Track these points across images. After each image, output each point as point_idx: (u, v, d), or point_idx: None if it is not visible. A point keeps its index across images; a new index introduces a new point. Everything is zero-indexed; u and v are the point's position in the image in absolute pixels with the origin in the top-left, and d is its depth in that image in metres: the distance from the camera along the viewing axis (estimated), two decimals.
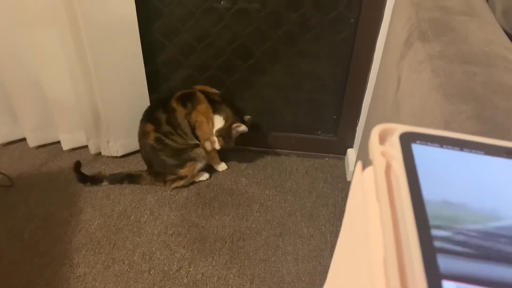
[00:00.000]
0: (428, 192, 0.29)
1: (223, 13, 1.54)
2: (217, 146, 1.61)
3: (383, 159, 0.31)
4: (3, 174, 1.65)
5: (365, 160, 0.89)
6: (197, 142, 1.61)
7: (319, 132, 1.81)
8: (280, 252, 1.43)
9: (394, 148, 0.32)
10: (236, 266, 1.38)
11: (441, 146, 0.33)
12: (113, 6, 1.42)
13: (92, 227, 1.49)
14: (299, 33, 1.57)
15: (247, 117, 1.66)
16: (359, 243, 0.32)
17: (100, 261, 1.37)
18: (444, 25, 0.59)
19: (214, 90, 1.64)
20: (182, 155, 1.58)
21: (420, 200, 0.28)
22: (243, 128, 1.56)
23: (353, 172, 1.48)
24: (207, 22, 1.57)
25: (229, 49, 1.63)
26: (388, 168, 0.31)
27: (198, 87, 1.63)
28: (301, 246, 1.45)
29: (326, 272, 1.37)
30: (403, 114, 0.54)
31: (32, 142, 1.79)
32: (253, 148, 1.76)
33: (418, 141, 0.33)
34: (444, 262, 0.25)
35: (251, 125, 1.66)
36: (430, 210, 0.28)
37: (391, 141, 0.34)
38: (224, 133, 1.60)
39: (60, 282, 1.31)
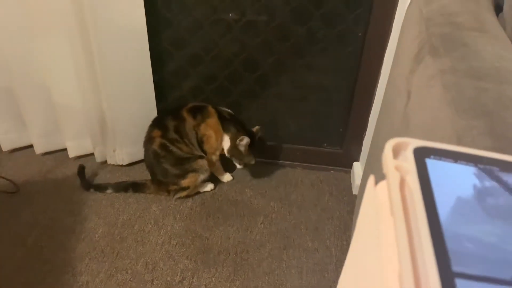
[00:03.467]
0: (443, 207, 0.29)
1: (232, 25, 1.56)
2: (238, 165, 1.67)
3: (397, 174, 0.31)
4: (9, 180, 1.65)
5: (374, 174, 0.88)
6: (202, 154, 1.62)
7: (325, 144, 1.81)
8: (284, 265, 1.41)
9: (408, 163, 0.32)
10: (240, 278, 1.36)
11: (455, 162, 0.33)
12: (123, 14, 1.44)
13: (96, 236, 1.48)
14: (307, 46, 1.57)
15: (256, 128, 1.67)
16: (371, 258, 0.32)
17: (103, 270, 1.37)
18: (455, 41, 0.59)
19: (226, 109, 1.65)
20: (185, 165, 1.58)
21: (435, 215, 0.28)
22: (245, 140, 1.56)
23: (359, 186, 1.47)
24: (216, 33, 1.59)
25: (237, 60, 1.64)
26: (402, 182, 0.31)
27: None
28: (305, 260, 1.43)
29: (330, 286, 1.36)
30: (413, 128, 0.54)
31: (38, 149, 1.79)
32: (258, 159, 1.76)
33: (432, 156, 0.33)
34: (460, 278, 0.24)
35: (261, 134, 1.68)
36: (445, 225, 0.27)
37: (405, 155, 0.33)
38: (233, 152, 1.61)
39: None
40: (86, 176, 1.70)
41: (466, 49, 0.56)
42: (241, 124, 1.64)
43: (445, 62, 0.54)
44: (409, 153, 0.33)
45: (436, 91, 0.50)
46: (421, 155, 0.33)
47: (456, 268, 0.25)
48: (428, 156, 0.33)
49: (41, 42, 1.51)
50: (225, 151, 1.64)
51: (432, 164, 0.33)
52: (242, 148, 1.58)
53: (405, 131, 0.57)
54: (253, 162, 1.66)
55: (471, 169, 0.33)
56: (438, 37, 0.61)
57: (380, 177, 0.38)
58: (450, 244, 0.26)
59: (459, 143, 0.40)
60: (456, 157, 0.33)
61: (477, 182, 0.32)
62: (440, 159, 0.33)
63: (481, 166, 0.33)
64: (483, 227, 0.28)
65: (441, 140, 0.40)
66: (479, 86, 0.47)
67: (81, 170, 1.65)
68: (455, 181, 0.32)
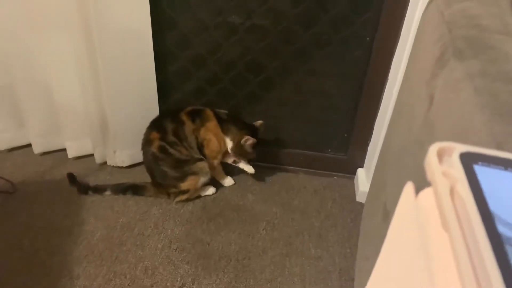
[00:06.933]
0: (501, 220, 0.26)
1: (237, 27, 1.53)
2: (250, 170, 1.65)
3: (446, 181, 0.28)
4: (6, 180, 1.61)
5: (386, 180, 0.84)
6: (201, 157, 1.58)
7: (329, 150, 1.78)
8: (286, 272, 1.38)
9: (456, 169, 0.29)
10: (241, 285, 1.33)
11: (506, 169, 0.30)
12: (127, 14, 1.41)
13: (94, 239, 1.44)
14: (313, 50, 1.55)
15: (258, 122, 1.64)
16: (416, 275, 0.29)
17: (101, 274, 1.33)
18: (481, 43, 0.56)
19: (222, 111, 1.62)
20: (184, 168, 1.54)
21: (495, 230, 0.25)
22: (250, 141, 1.55)
23: (367, 193, 1.43)
24: (220, 35, 1.56)
25: (241, 63, 1.61)
26: (451, 191, 0.28)
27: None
28: (308, 267, 1.40)
29: None
30: (439, 134, 0.51)
31: (37, 149, 1.76)
32: (260, 163, 1.73)
33: (480, 163, 0.30)
34: None
35: (264, 129, 1.65)
36: (507, 241, 0.24)
37: (450, 161, 0.30)
38: (238, 151, 1.59)
39: None
40: (84, 178, 1.67)
41: (494, 52, 0.53)
42: (241, 122, 1.61)
43: (474, 65, 0.51)
44: (455, 158, 0.30)
45: (465, 95, 0.48)
46: (468, 161, 0.30)
47: None
48: (476, 163, 0.30)
49: (43, 39, 1.48)
50: (230, 152, 1.61)
51: (481, 171, 0.30)
52: (247, 147, 1.57)
53: (429, 137, 0.54)
54: (254, 155, 1.64)
55: None
56: (462, 40, 0.58)
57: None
58: None
59: (499, 149, 0.37)
60: (507, 164, 0.30)
61: None
62: (489, 166, 0.30)
63: None
64: None
65: (477, 146, 0.37)
66: None
67: (71, 177, 1.61)
68: (509, 191, 0.29)
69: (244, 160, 1.63)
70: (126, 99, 1.58)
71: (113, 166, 1.74)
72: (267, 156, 1.75)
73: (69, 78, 1.54)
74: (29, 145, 1.77)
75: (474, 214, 0.25)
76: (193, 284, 1.32)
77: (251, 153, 1.59)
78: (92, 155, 1.75)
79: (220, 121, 1.58)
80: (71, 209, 1.55)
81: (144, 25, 1.45)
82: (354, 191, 1.72)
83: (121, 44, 1.46)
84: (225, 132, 1.59)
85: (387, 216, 0.75)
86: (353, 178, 1.77)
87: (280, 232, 1.52)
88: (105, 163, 1.75)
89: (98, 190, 1.61)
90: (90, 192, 1.60)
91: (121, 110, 1.59)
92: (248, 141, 1.54)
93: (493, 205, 0.27)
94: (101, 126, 1.63)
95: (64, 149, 1.75)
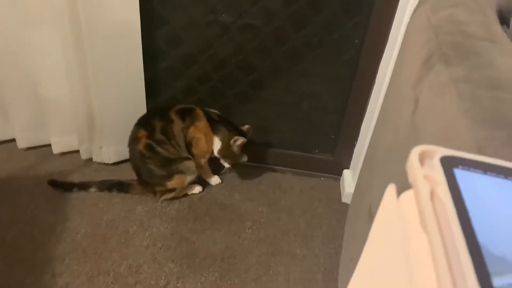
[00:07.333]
0: (478, 223, 0.26)
1: (228, 26, 1.53)
2: (226, 165, 1.65)
3: (427, 184, 0.28)
4: None
5: (373, 181, 0.85)
6: (189, 156, 1.58)
7: (316, 151, 1.79)
8: (271, 272, 1.38)
9: (436, 172, 0.30)
10: (226, 284, 1.33)
11: (485, 173, 0.31)
12: (117, 10, 1.40)
13: (78, 236, 1.43)
14: (303, 51, 1.56)
15: (245, 127, 1.64)
16: (395, 274, 0.29)
17: (84, 271, 1.32)
18: (467, 49, 0.57)
19: (213, 110, 1.62)
20: (172, 166, 1.54)
21: (472, 232, 0.25)
22: (241, 140, 1.54)
23: (352, 194, 1.45)
24: (211, 33, 1.56)
25: (232, 62, 1.61)
26: (431, 194, 0.28)
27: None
28: (293, 267, 1.41)
29: None
30: (423, 137, 0.52)
31: (21, 143, 1.73)
32: (248, 163, 1.73)
33: (460, 166, 0.31)
34: None
35: (251, 134, 1.64)
36: (483, 243, 0.25)
37: (431, 164, 0.31)
38: (226, 153, 1.59)
39: None
40: (69, 174, 1.65)
41: (479, 58, 0.54)
42: (231, 124, 1.61)
43: (458, 70, 0.52)
44: (436, 162, 0.31)
45: (449, 100, 0.48)
46: (448, 164, 0.31)
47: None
48: (456, 166, 0.31)
49: (31, 33, 1.46)
50: (216, 153, 1.61)
51: (460, 174, 0.30)
52: (236, 149, 1.56)
53: (414, 141, 0.55)
54: (245, 159, 1.64)
55: (501, 182, 0.31)
56: (448, 45, 0.59)
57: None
58: (490, 264, 0.24)
59: (481, 153, 0.38)
60: (485, 168, 0.31)
61: (508, 196, 0.30)
62: (468, 170, 0.31)
63: None
64: None
65: (460, 150, 0.38)
66: (496, 96, 0.46)
67: (53, 183, 1.57)
68: (486, 194, 0.29)
69: (230, 163, 1.63)
70: (114, 95, 1.57)
71: (99, 163, 1.73)
72: (255, 156, 1.76)
73: (57, 73, 1.52)
74: (13, 140, 1.74)
75: (452, 216, 0.26)
76: (177, 283, 1.31)
77: (238, 156, 1.59)
78: (77, 151, 1.72)
79: (210, 121, 1.58)
80: (55, 205, 1.53)
81: (133, 20, 1.43)
82: (340, 192, 1.73)
83: (110, 40, 1.45)
84: (216, 132, 1.59)
85: (371, 218, 0.76)
86: (339, 179, 1.78)
87: (266, 232, 1.52)
88: (91, 159, 1.73)
89: (83, 187, 1.59)
90: (75, 189, 1.58)
91: (108, 106, 1.58)
92: (238, 141, 1.54)
93: (471, 208, 0.27)
94: (88, 122, 1.61)
95: (49, 145, 1.72)
